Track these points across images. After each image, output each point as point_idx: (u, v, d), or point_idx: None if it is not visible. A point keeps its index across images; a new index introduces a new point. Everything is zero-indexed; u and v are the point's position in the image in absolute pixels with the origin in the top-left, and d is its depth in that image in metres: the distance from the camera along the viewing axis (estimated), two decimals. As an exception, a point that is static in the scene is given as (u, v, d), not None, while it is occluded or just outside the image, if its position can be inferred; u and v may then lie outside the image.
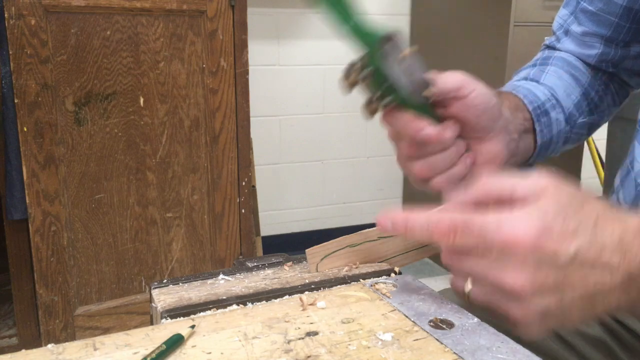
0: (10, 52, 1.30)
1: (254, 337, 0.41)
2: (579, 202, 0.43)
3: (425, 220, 0.45)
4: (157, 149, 1.52)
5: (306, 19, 2.36)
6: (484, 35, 2.14)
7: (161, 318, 0.44)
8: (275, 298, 0.47)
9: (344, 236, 0.52)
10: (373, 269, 0.52)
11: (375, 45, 0.50)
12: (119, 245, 1.52)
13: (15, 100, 1.33)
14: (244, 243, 1.68)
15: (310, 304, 0.45)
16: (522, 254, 0.41)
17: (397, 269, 0.51)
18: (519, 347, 0.39)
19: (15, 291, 1.47)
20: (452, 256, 0.45)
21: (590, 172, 2.58)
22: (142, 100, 1.48)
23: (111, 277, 1.53)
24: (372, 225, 0.52)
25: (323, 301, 0.46)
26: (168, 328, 0.41)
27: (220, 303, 0.46)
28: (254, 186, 1.87)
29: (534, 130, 0.68)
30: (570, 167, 2.24)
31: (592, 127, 0.78)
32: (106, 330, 1.54)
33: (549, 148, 0.72)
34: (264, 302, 0.46)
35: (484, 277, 0.43)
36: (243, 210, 1.66)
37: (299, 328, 0.42)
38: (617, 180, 0.74)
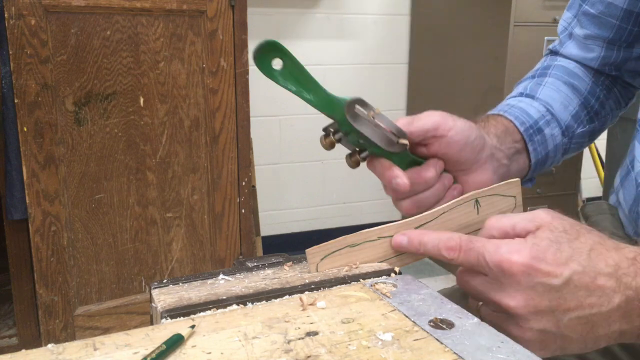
0: (10, 52, 1.30)
1: (254, 337, 0.41)
2: (574, 233, 0.46)
3: (436, 237, 0.50)
4: (157, 149, 1.52)
5: (306, 19, 2.37)
6: (484, 35, 2.14)
7: (161, 318, 0.44)
8: (275, 298, 0.47)
9: (344, 236, 0.52)
10: (373, 269, 0.52)
11: (342, 112, 0.54)
12: (119, 245, 1.52)
13: (15, 100, 1.33)
14: (244, 243, 1.68)
15: (310, 304, 0.45)
16: (517, 275, 0.44)
17: (397, 269, 0.51)
18: (519, 347, 0.39)
19: (15, 291, 1.48)
20: (463, 275, 0.49)
21: (590, 172, 2.58)
22: (142, 100, 1.48)
23: (111, 277, 1.53)
24: (372, 225, 0.53)
25: (323, 301, 0.46)
26: (168, 328, 0.41)
27: (220, 303, 0.45)
28: (254, 186, 1.87)
29: (527, 149, 0.70)
30: (570, 167, 2.24)
31: (594, 134, 0.79)
32: (106, 330, 1.54)
33: (545, 163, 0.74)
34: (264, 302, 0.46)
35: (487, 296, 0.46)
36: (243, 210, 1.66)
37: (299, 328, 0.42)
38: (617, 180, 0.74)
